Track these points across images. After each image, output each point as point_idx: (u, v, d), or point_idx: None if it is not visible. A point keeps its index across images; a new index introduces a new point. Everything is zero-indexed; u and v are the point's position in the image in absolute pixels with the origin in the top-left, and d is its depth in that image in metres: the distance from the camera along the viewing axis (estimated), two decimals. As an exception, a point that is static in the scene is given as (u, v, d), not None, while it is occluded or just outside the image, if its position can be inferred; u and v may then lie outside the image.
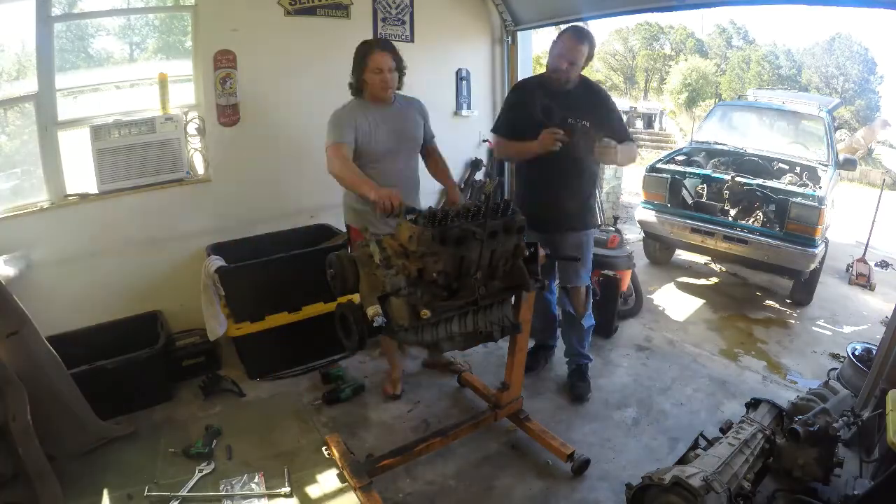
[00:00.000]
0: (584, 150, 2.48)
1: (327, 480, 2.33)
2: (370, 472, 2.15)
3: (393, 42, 2.59)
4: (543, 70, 2.71)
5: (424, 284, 1.86)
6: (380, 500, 2.06)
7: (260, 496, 2.20)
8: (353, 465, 2.17)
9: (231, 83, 3.29)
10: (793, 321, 4.16)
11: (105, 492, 2.21)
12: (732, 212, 4.54)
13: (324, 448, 2.36)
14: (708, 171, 4.77)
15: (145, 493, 2.19)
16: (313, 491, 2.28)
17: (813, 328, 4.07)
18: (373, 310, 1.79)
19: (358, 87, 2.57)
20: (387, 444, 2.52)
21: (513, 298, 2.26)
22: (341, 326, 1.96)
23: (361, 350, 3.11)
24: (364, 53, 2.48)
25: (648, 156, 12.27)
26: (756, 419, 2.29)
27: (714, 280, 5.04)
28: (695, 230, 4.36)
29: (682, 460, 2.09)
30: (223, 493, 2.21)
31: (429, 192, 4.48)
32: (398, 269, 1.83)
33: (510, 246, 2.04)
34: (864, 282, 5.07)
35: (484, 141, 4.70)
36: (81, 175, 3.02)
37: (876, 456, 2.22)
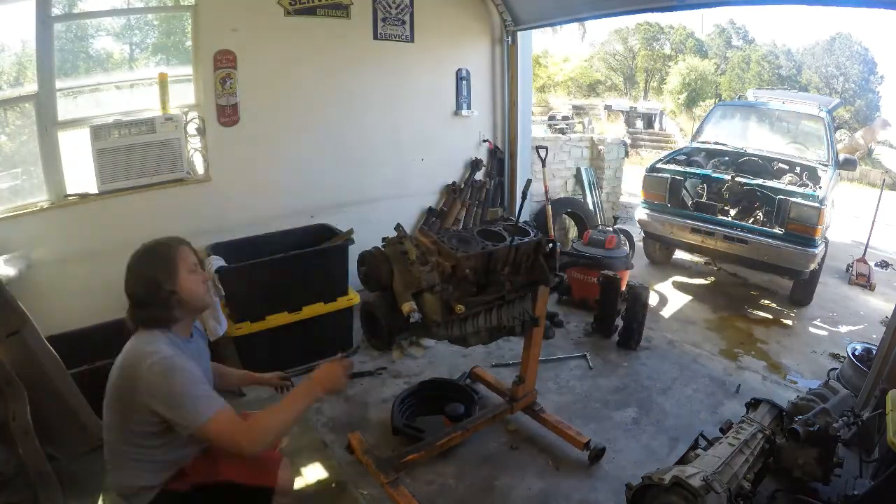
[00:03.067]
0: None
1: (327, 480, 2.33)
2: (396, 467, 2.16)
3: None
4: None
5: (456, 280, 1.92)
6: (409, 494, 2.06)
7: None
8: (378, 461, 2.18)
9: (231, 83, 3.29)
10: (792, 321, 4.16)
11: (105, 492, 2.21)
12: (732, 212, 4.55)
13: (346, 447, 2.38)
14: (708, 171, 4.77)
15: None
16: (313, 491, 2.27)
17: (813, 328, 4.08)
18: (408, 306, 1.80)
19: (166, 312, 1.54)
20: (388, 443, 2.52)
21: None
22: (366, 324, 1.96)
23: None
24: (169, 254, 1.59)
25: (648, 156, 12.29)
26: (756, 419, 2.29)
27: (714, 280, 5.05)
28: (695, 230, 4.37)
29: (682, 460, 2.09)
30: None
31: (427, 193, 4.51)
32: (433, 265, 1.87)
33: (533, 242, 2.14)
34: (864, 282, 5.08)
35: (484, 141, 4.71)
36: (81, 175, 3.02)
37: (876, 456, 2.22)
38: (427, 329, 1.92)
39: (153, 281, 1.53)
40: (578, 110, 17.32)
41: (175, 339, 1.56)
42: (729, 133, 5.50)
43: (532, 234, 2.20)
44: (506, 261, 2.05)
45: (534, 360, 2.51)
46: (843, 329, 4.07)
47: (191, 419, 1.41)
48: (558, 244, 2.27)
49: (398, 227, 2.01)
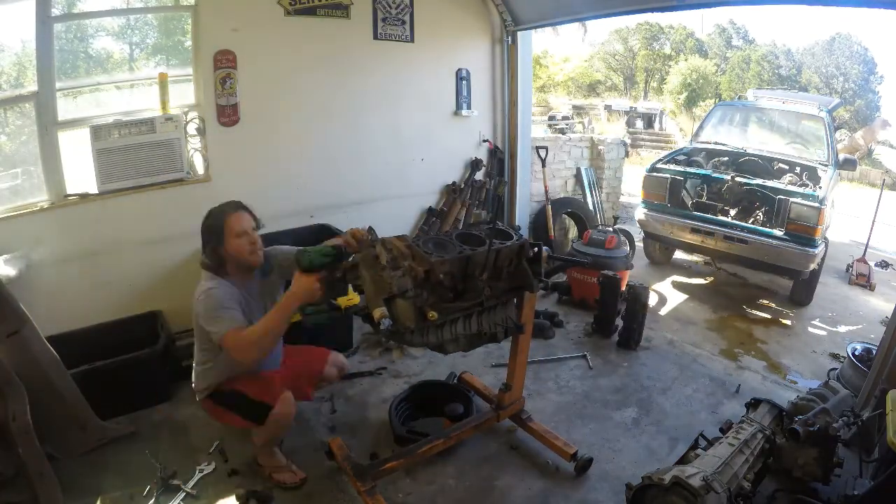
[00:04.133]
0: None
1: (326, 480, 2.33)
2: (374, 475, 2.13)
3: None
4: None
5: (431, 286, 1.85)
6: (384, 503, 2.05)
7: (258, 495, 2.20)
8: (356, 468, 2.15)
9: (231, 83, 3.29)
10: (792, 321, 4.16)
11: (105, 492, 2.21)
12: (732, 212, 4.55)
13: (325, 452, 2.36)
14: (708, 171, 4.77)
15: (145, 492, 2.19)
16: (312, 490, 2.27)
17: (812, 328, 4.08)
18: (379, 312, 1.75)
19: (218, 263, 2.10)
20: (387, 443, 2.52)
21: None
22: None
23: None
24: (219, 221, 2.10)
25: (648, 156, 12.29)
26: (756, 419, 2.29)
27: (713, 280, 5.05)
28: (695, 230, 4.37)
29: (682, 460, 2.09)
30: (222, 491, 2.21)
31: (427, 193, 4.51)
32: (405, 270, 1.81)
33: (515, 246, 2.06)
34: (864, 282, 5.08)
35: (484, 141, 4.71)
36: (81, 175, 3.02)
37: (876, 456, 2.22)
38: (401, 336, 1.85)
39: (205, 240, 2.11)
40: (578, 110, 17.34)
41: (228, 283, 2.09)
42: (729, 133, 5.50)
43: (514, 238, 2.12)
44: (485, 266, 1.97)
45: (521, 367, 2.46)
46: (843, 329, 4.07)
47: (215, 332, 1.96)
48: (545, 248, 2.18)
49: (370, 231, 1.96)
